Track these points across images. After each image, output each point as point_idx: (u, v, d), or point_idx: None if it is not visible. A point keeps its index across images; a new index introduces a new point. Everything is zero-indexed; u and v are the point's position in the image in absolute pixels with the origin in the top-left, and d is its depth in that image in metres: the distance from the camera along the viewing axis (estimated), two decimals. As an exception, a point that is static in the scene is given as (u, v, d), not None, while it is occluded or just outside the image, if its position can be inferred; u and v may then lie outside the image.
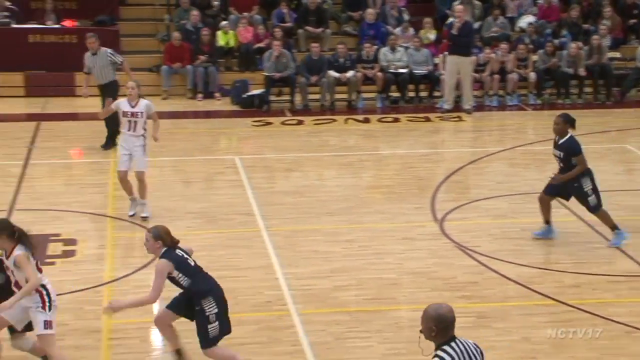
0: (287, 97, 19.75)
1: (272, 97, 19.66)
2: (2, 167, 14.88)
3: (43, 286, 8.13)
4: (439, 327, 5.73)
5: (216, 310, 8.09)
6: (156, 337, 9.34)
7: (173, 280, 8.15)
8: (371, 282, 10.54)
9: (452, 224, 12.36)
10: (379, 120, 18.46)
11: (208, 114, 19.23)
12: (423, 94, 20.05)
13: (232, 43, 20.76)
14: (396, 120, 18.50)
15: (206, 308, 8.06)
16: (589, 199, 11.33)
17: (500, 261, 11.08)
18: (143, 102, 12.29)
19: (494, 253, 11.33)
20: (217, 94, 20.13)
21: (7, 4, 20.54)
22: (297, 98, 19.55)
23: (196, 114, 19.32)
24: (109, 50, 15.98)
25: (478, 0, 21.95)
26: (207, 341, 8.12)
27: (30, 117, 18.34)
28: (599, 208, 11.40)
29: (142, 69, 20.57)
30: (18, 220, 12.23)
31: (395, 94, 20.01)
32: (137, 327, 9.46)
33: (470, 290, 10.32)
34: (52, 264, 10.96)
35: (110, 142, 15.80)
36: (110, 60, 15.85)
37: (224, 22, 20.95)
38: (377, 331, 9.31)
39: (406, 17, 21.54)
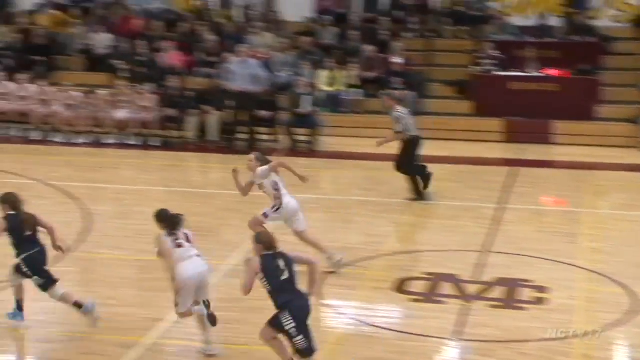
0: None
1: None
2: (476, 209, 15.16)
3: None
4: None
5: (294, 324, 8.17)
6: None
7: (261, 281, 8.39)
8: None
9: None
10: None
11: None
12: None
13: None
14: None
15: (284, 322, 8.21)
16: None
17: None
18: (257, 172, 11.59)
19: None
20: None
21: (494, 53, 21.02)
22: None
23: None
24: (398, 112, 15.18)
25: None
26: (302, 354, 8.21)
27: (507, 163, 18.57)
28: None
29: (620, 120, 20.05)
30: (492, 262, 12.49)
31: None
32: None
33: None
34: (521, 309, 10.90)
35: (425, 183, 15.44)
36: (396, 119, 15.19)
37: None
38: None
39: None
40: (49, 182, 16.36)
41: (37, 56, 22.00)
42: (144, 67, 21.18)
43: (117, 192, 16.13)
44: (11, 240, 9.79)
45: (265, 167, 11.55)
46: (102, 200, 15.65)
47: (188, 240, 9.31)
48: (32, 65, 21.77)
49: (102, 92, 20.08)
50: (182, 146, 19.49)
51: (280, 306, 8.35)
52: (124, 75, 21.01)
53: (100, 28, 22.55)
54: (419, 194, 15.39)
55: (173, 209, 9.46)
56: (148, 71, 21.06)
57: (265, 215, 11.62)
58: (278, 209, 11.61)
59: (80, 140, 19.68)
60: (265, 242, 8.56)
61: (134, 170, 17.68)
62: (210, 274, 9.51)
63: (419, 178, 15.42)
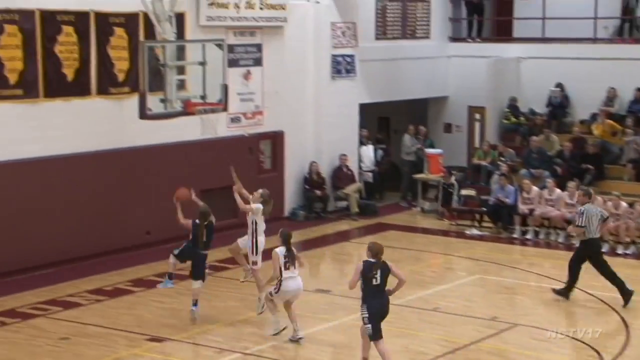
0: None
1: None
2: None
3: None
4: None
5: (367, 315, 11.75)
6: None
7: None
8: None
9: None
10: None
11: None
12: None
13: None
14: None
15: (361, 314, 11.86)
16: None
17: None
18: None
19: None
20: None
21: None
22: None
23: None
24: (584, 208, 15.67)
25: None
26: (370, 336, 11.84)
27: None
28: None
29: None
30: None
31: None
32: None
33: None
34: None
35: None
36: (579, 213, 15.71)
37: None
38: None
39: None
40: (588, 291, 16.22)
41: (586, 164, 22.12)
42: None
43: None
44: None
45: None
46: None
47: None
48: (581, 173, 21.93)
49: (648, 204, 19.56)
50: None
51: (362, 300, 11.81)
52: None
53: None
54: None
55: None
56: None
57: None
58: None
59: (623, 251, 19.26)
60: (372, 250, 11.76)
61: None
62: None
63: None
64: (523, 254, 19.69)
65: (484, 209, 21.54)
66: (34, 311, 14.89)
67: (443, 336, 13.77)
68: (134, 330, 14.02)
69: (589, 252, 15.75)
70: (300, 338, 13.44)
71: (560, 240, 20.27)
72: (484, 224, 21.50)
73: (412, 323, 14.17)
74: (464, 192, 22.48)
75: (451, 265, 18.83)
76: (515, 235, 20.67)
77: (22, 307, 15.09)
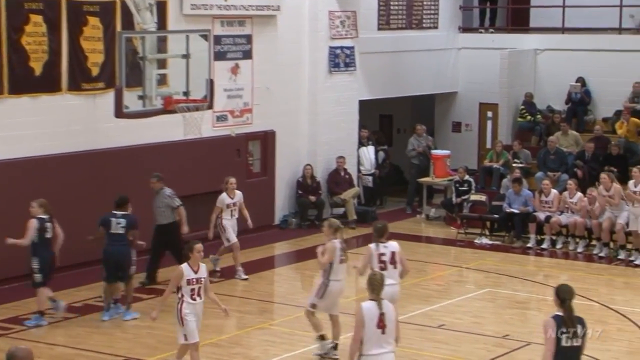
0: None
1: None
2: None
3: None
4: None
5: None
6: None
7: None
8: None
9: None
10: None
11: None
12: None
13: None
14: None
15: None
16: None
17: None
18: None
19: None
20: None
21: None
22: None
23: None
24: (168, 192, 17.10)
25: None
26: None
27: None
28: None
29: None
30: None
31: None
32: None
33: None
34: None
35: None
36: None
37: None
38: None
39: None
40: (609, 306, 16.00)
41: (609, 166, 21.77)
42: None
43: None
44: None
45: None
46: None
47: None
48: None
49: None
50: None
51: None
52: None
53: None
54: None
55: None
56: None
57: None
58: None
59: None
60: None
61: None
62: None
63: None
64: (538, 265, 19.55)
65: (496, 215, 21.26)
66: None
67: (448, 356, 13.70)
68: (104, 350, 13.87)
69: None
70: None
71: (580, 250, 20.04)
72: (495, 233, 21.29)
73: (415, 341, 14.00)
74: (473, 197, 22.19)
75: (458, 277, 18.69)
76: (529, 245, 20.42)
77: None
